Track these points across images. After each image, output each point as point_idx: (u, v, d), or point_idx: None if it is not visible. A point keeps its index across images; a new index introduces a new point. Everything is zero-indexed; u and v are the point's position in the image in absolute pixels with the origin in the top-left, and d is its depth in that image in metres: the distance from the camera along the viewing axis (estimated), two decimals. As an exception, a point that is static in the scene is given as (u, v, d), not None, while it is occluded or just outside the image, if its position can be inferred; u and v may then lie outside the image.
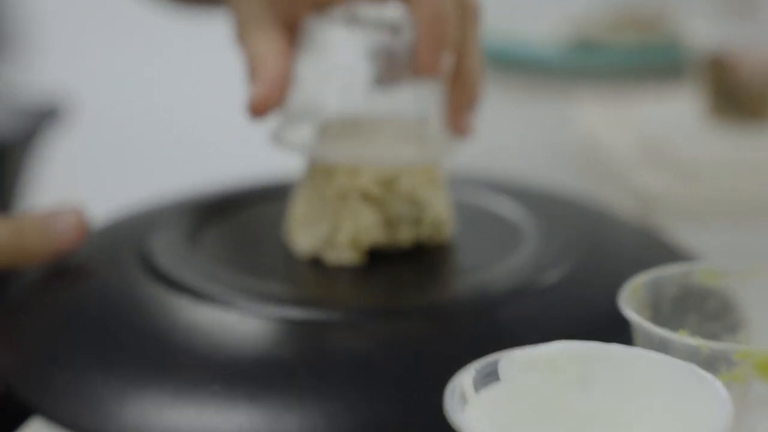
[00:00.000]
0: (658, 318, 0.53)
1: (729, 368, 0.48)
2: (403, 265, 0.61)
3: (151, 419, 0.52)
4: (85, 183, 2.13)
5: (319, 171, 0.61)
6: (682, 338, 0.48)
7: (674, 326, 0.54)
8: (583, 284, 0.60)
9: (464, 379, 0.42)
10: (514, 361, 0.43)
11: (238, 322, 0.55)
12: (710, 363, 0.48)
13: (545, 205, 0.69)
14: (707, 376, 0.43)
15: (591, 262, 0.62)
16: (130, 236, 0.65)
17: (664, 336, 0.48)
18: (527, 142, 1.01)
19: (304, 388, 0.51)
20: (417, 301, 0.56)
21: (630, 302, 0.51)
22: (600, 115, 0.98)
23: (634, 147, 0.90)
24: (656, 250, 0.68)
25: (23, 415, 0.54)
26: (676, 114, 0.94)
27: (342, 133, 0.61)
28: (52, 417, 0.53)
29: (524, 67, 1.19)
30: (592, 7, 1.26)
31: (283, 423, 0.51)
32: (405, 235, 0.62)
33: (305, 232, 0.62)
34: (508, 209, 0.68)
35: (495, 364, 0.43)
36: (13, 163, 1.43)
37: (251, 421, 0.51)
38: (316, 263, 0.62)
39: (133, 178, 2.10)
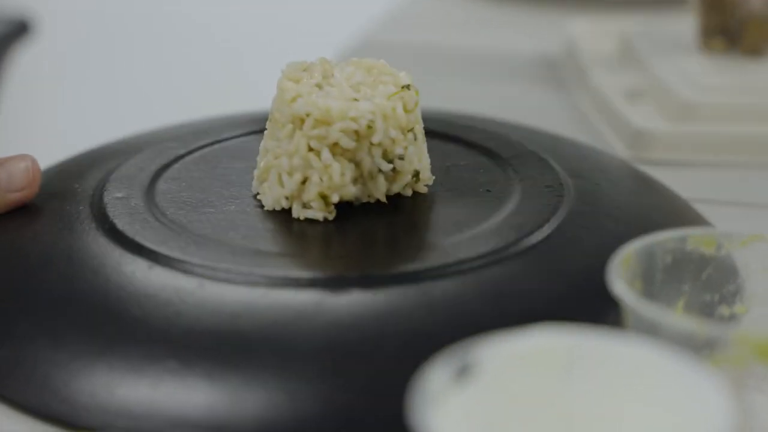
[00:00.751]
0: (651, 289, 0.49)
1: (726, 350, 0.44)
2: (376, 221, 0.57)
3: (101, 398, 0.48)
4: (53, 99, 2.08)
5: (288, 120, 0.57)
6: (677, 320, 0.44)
7: (668, 297, 0.50)
8: (572, 244, 0.55)
9: (435, 375, 0.38)
10: (491, 354, 0.39)
11: (197, 290, 0.51)
12: (706, 345, 0.44)
13: (530, 150, 0.64)
14: (704, 368, 0.39)
15: (581, 217, 0.57)
16: (83, 186, 0.60)
17: (656, 318, 0.44)
18: (521, 65, 0.96)
19: (265, 366, 0.48)
20: (387, 268, 0.52)
21: (620, 274, 0.46)
22: (589, 33, 0.93)
23: (625, 76, 0.85)
24: (652, 200, 0.64)
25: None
26: (673, 40, 0.87)
27: None
28: (-6, 395, 0.50)
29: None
30: None
31: (243, 404, 0.47)
32: (379, 189, 0.57)
33: (273, 185, 0.57)
34: (492, 153, 0.64)
35: (469, 356, 0.39)
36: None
37: (209, 401, 0.47)
38: (284, 217, 0.57)
39: (105, 100, 2.05)
